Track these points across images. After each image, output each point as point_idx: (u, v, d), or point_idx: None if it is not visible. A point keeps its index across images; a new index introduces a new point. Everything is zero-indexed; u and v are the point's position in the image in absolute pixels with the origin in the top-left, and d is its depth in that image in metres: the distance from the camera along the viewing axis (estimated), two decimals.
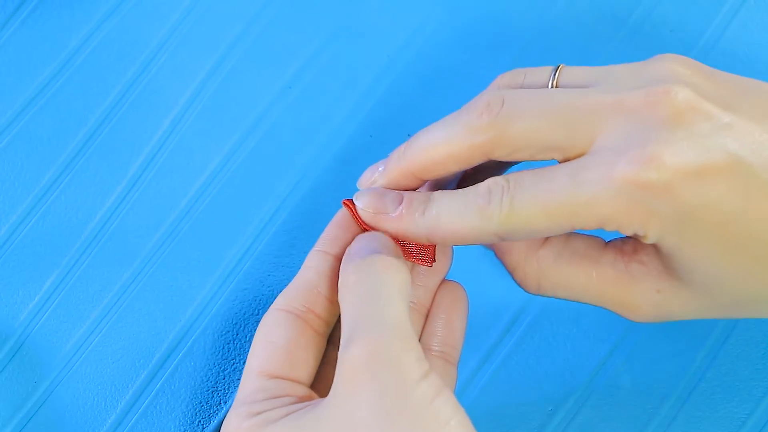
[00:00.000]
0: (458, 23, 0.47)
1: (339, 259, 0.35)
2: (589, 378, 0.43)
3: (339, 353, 0.31)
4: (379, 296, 0.32)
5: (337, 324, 0.37)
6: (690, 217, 0.31)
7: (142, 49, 0.46)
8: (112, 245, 0.44)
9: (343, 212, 0.37)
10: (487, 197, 0.33)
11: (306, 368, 0.34)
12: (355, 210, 0.36)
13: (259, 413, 0.32)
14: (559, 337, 0.43)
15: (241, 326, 0.43)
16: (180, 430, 0.42)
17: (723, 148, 0.30)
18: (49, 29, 0.47)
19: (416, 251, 0.36)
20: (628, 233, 0.32)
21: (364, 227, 0.36)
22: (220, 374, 0.42)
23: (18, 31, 0.47)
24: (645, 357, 0.43)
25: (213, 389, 0.42)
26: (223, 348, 0.43)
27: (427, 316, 0.38)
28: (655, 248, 0.33)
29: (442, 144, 0.34)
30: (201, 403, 0.42)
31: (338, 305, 0.36)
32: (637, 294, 0.34)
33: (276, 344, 0.34)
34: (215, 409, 0.42)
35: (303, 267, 0.36)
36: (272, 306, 0.35)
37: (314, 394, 0.35)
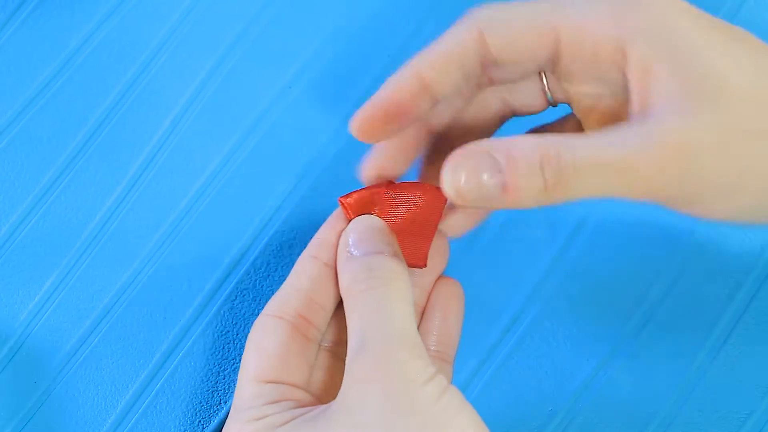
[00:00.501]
0: None
1: (330, 266, 0.35)
2: (589, 378, 0.43)
3: (348, 360, 0.32)
4: (386, 307, 0.33)
5: (329, 329, 0.37)
6: (672, 20, 0.32)
7: (142, 49, 0.46)
8: (112, 245, 0.44)
9: (336, 215, 0.37)
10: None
11: (301, 373, 0.35)
12: (349, 209, 0.36)
13: (261, 418, 0.33)
14: (559, 337, 0.43)
15: (240, 326, 0.43)
16: (180, 429, 0.42)
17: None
18: (49, 29, 0.47)
19: (408, 252, 0.36)
20: (609, 40, 0.32)
21: None
22: (220, 374, 0.42)
23: (18, 31, 0.47)
24: (645, 357, 0.43)
25: (213, 389, 0.42)
26: (223, 348, 0.43)
27: (423, 314, 0.38)
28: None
29: (441, 41, 0.35)
30: (201, 402, 0.42)
31: (330, 311, 0.36)
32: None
33: (269, 350, 0.34)
34: (215, 409, 0.42)
35: (294, 272, 0.36)
36: (263, 312, 0.35)
37: (313, 398, 0.35)
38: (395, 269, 0.34)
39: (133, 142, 0.45)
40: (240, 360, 0.42)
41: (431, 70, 0.35)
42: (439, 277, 0.39)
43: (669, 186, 0.31)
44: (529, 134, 0.35)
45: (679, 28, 0.32)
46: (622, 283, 0.44)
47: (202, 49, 0.47)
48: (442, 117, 0.38)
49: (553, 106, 0.39)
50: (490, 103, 0.39)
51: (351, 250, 0.35)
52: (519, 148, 0.31)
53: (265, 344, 0.34)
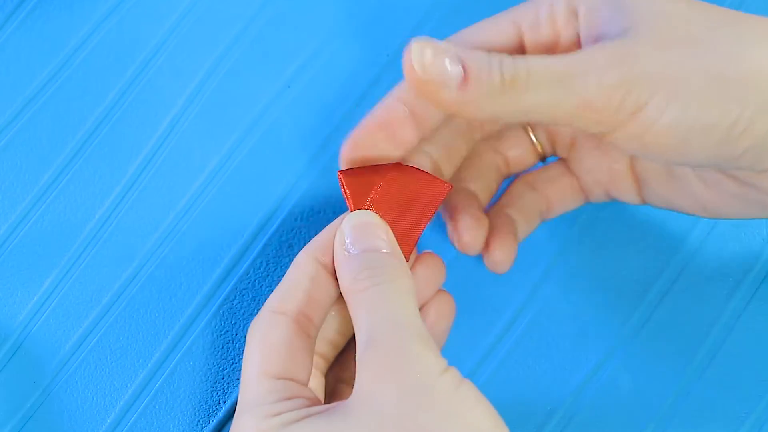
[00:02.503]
0: (457, 22, 0.47)
1: (327, 268, 0.36)
2: (587, 377, 0.43)
3: (358, 355, 0.32)
4: (392, 302, 0.33)
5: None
6: None
7: (141, 49, 0.46)
8: (111, 245, 0.44)
9: (339, 219, 0.37)
10: None
11: (306, 370, 0.35)
12: (347, 188, 0.36)
13: (277, 414, 0.32)
14: (558, 336, 0.43)
15: (239, 326, 0.43)
16: (179, 429, 0.42)
17: None
18: (47, 29, 0.47)
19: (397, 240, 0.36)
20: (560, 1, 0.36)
21: (354, 208, 0.36)
22: (219, 374, 0.42)
23: (17, 31, 0.47)
24: (643, 356, 0.43)
25: (212, 389, 0.42)
26: (222, 348, 0.43)
27: None
28: None
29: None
30: (200, 402, 0.42)
31: (327, 310, 0.36)
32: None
33: (277, 346, 0.34)
34: (214, 408, 0.42)
35: (294, 269, 0.36)
36: (265, 308, 0.35)
37: (320, 398, 0.35)
38: (397, 266, 0.34)
39: (131, 141, 0.45)
40: (239, 359, 0.42)
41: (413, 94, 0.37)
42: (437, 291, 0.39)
43: (614, 93, 0.33)
44: None
45: None
46: (621, 283, 0.44)
47: (200, 48, 0.47)
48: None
49: (542, 161, 0.43)
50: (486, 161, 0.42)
51: (348, 248, 0.35)
52: (478, 51, 0.34)
53: (271, 339, 0.34)
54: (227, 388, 0.42)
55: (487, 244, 0.40)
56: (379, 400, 0.31)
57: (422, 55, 0.33)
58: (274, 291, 0.36)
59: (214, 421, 0.42)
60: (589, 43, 0.35)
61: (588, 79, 0.32)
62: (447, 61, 0.33)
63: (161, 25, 0.47)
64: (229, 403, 0.42)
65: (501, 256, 0.40)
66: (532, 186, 0.42)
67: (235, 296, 0.43)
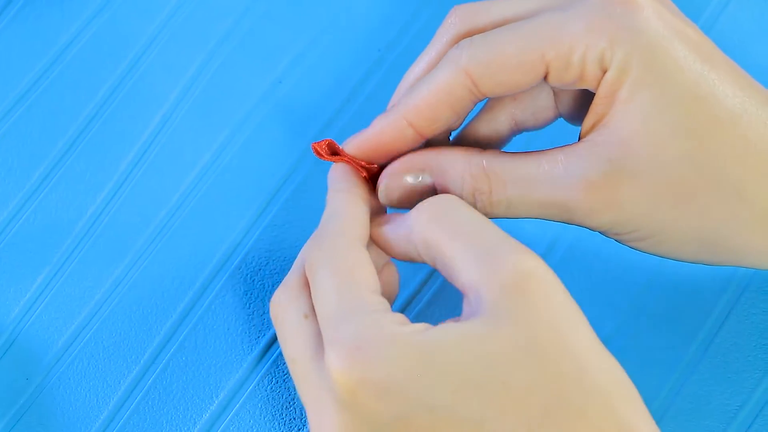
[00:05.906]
0: None
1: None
2: None
3: (468, 276, 0.32)
4: (487, 229, 0.33)
5: None
6: (658, 45, 0.33)
7: (132, 45, 0.47)
8: (104, 241, 0.44)
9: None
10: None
11: None
12: (325, 154, 0.38)
13: (405, 323, 0.32)
14: None
15: (232, 320, 0.43)
16: (172, 424, 0.42)
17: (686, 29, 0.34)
18: (38, 26, 0.47)
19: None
20: (593, 55, 0.33)
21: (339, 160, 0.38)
22: (212, 369, 0.42)
23: (7, 28, 0.47)
24: (637, 349, 0.43)
25: (204, 384, 0.42)
26: (215, 343, 0.43)
27: None
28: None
29: (429, 87, 0.35)
30: (193, 397, 0.42)
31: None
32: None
33: (369, 264, 0.34)
34: (207, 403, 0.42)
35: (342, 202, 0.36)
36: (330, 233, 0.35)
37: None
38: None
39: (123, 137, 0.45)
40: (232, 353, 0.42)
41: (421, 120, 0.36)
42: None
43: (602, 224, 0.35)
44: (465, 150, 0.36)
45: (669, 57, 0.33)
46: (612, 276, 0.44)
47: (192, 44, 0.47)
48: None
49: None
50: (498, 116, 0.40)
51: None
52: (452, 174, 0.35)
53: (360, 258, 0.34)
54: (219, 383, 0.42)
55: None
56: (527, 312, 0.31)
57: (389, 198, 0.37)
58: (328, 220, 0.36)
59: (206, 416, 0.42)
60: (593, 116, 0.35)
61: (573, 215, 0.35)
62: (418, 199, 0.35)
63: (152, 21, 0.47)
64: (221, 397, 0.42)
65: None
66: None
67: (227, 291, 0.43)
